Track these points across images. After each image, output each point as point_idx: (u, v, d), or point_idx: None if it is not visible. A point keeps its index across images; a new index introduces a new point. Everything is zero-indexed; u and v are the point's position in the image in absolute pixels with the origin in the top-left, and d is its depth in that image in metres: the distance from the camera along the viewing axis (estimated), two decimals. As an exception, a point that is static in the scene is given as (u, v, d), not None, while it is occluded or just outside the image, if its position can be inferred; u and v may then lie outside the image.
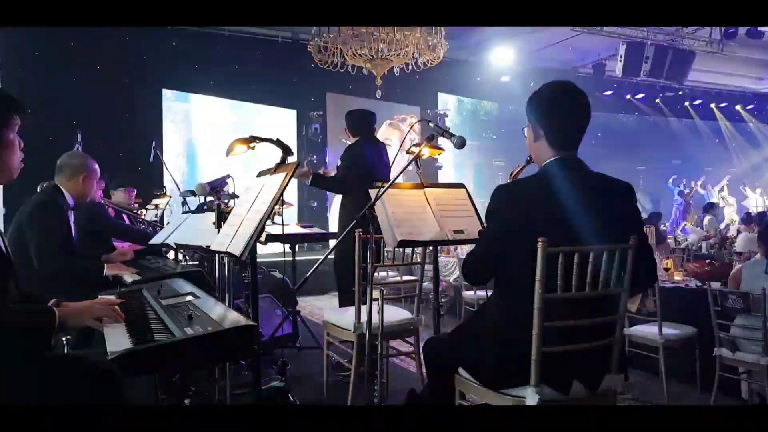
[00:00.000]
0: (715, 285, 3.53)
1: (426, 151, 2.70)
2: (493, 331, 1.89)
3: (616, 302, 1.86)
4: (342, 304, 3.97)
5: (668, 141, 14.01)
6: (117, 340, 1.61)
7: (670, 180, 13.13)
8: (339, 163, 4.33)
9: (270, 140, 2.40)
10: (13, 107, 1.81)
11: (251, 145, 2.48)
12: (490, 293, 2.16)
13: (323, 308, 6.03)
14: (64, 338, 2.03)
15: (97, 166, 3.27)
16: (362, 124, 4.31)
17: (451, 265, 6.30)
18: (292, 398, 2.99)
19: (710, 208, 10.54)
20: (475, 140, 11.20)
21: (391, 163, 4.23)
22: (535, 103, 1.93)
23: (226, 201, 3.18)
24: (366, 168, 4.00)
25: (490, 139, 12.10)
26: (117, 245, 4.15)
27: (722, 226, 10.45)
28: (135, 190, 5.52)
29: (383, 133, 10.70)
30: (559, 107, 1.91)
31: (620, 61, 9.54)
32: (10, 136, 1.79)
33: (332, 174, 4.69)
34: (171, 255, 3.83)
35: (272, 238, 4.01)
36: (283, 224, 3.91)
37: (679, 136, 14.18)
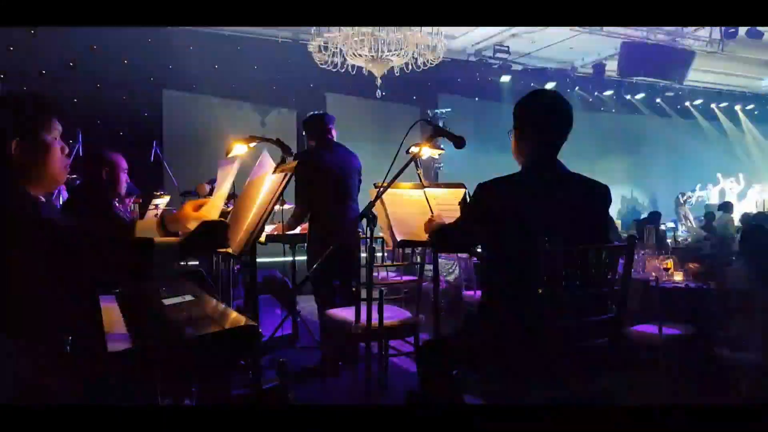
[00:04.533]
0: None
1: (426, 151, 2.70)
2: (491, 331, 1.90)
3: (608, 302, 1.89)
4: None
5: (668, 141, 13.98)
6: (117, 339, 1.61)
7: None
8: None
9: (270, 140, 2.41)
10: (48, 109, 1.64)
11: (250, 144, 2.49)
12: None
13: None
14: (65, 338, 2.02)
15: None
16: (319, 129, 3.94)
17: (451, 265, 6.29)
18: (292, 398, 2.98)
19: (731, 208, 10.46)
20: (475, 140, 11.16)
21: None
22: (521, 111, 2.05)
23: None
24: (330, 177, 3.74)
25: (490, 139, 12.07)
26: None
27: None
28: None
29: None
30: (542, 115, 2.01)
31: (619, 61, 9.51)
32: (47, 139, 1.62)
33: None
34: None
35: (272, 238, 4.01)
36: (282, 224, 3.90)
37: (679, 136, 14.14)
